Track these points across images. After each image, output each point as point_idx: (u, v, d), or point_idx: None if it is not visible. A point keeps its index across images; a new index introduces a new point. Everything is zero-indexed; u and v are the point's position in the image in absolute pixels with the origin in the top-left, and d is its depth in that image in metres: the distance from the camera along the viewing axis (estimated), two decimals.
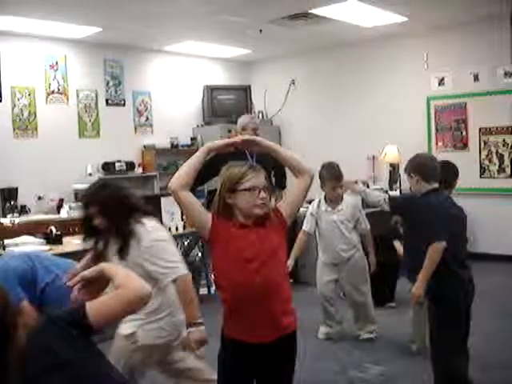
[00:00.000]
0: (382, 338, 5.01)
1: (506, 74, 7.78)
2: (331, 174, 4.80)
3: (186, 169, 2.57)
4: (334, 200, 4.90)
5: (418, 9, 7.22)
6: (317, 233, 5.06)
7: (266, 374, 2.59)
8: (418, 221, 3.40)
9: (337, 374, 4.34)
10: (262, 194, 2.51)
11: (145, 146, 8.77)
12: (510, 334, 4.97)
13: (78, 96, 8.12)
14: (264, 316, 2.47)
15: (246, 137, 2.72)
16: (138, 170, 8.55)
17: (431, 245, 3.26)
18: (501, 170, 7.91)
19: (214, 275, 2.64)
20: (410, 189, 3.74)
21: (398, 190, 8.00)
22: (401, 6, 7.04)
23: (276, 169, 6.01)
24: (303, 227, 5.02)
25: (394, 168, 8.26)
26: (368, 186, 8.03)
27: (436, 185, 3.48)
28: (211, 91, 9.44)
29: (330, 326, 5.10)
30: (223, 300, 2.57)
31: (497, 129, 7.92)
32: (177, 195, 2.51)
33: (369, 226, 5.04)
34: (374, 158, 8.84)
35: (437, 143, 8.44)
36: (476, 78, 8.06)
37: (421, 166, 3.50)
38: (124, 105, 8.69)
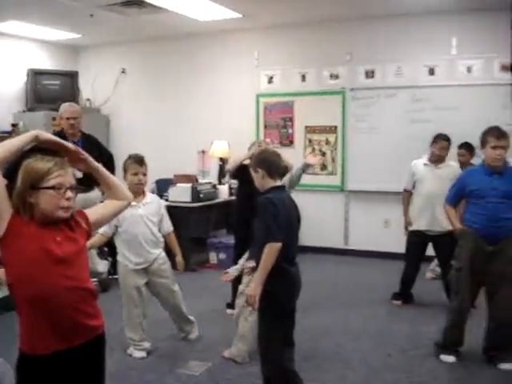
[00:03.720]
0: (207, 336, 5.00)
1: (331, 75, 8.16)
2: (134, 158, 4.48)
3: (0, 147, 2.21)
4: (135, 190, 4.34)
5: (253, 7, 7.33)
6: (117, 236, 4.56)
7: (75, 380, 2.38)
8: (259, 218, 3.35)
9: (164, 373, 4.28)
10: (69, 194, 2.26)
11: None
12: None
13: None
14: (71, 319, 2.27)
15: (80, 151, 2.40)
16: None
17: (268, 244, 3.22)
18: (323, 167, 8.30)
19: (9, 280, 2.26)
20: None
21: (227, 185, 8.11)
22: (238, 2, 7.11)
23: (103, 156, 5.81)
24: (100, 230, 4.39)
25: (223, 162, 8.34)
26: (197, 180, 8.06)
27: (279, 182, 3.49)
28: (35, 75, 8.89)
29: (144, 341, 4.62)
30: (22, 307, 2.27)
31: (321, 128, 8.30)
32: None
33: (172, 227, 4.72)
34: (203, 152, 8.86)
35: (264, 140, 8.62)
36: (303, 78, 8.38)
37: (267, 161, 3.48)
38: None
